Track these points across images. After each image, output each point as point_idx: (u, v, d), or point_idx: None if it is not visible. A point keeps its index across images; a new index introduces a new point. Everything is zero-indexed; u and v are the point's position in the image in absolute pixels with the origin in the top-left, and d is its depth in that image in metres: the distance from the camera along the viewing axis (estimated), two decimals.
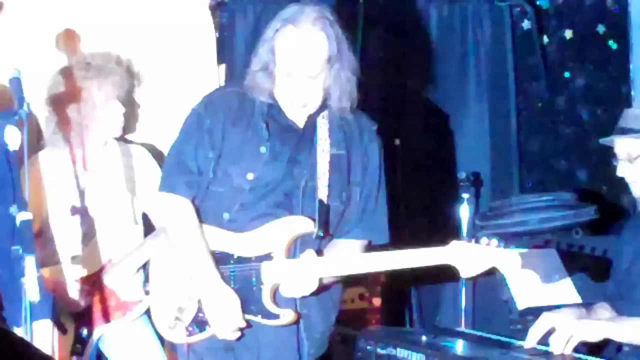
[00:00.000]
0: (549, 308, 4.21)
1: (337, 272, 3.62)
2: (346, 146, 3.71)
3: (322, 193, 3.62)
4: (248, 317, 3.59)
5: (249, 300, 3.59)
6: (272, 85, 3.61)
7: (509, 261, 3.48)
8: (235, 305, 3.57)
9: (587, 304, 4.09)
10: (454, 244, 3.51)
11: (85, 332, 4.31)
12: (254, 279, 3.60)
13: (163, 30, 5.20)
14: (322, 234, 3.61)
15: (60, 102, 4.39)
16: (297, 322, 3.63)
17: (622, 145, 3.74)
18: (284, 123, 3.68)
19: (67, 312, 4.27)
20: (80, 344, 4.29)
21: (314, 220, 3.60)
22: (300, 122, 3.70)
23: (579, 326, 3.47)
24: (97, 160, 4.46)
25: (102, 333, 4.34)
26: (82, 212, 4.39)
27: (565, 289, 4.44)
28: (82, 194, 4.42)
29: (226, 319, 3.57)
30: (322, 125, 3.69)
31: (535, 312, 4.19)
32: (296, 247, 3.63)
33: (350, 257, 3.65)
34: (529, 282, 4.31)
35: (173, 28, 5.23)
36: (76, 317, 4.30)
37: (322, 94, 3.64)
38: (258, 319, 3.59)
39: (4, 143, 3.04)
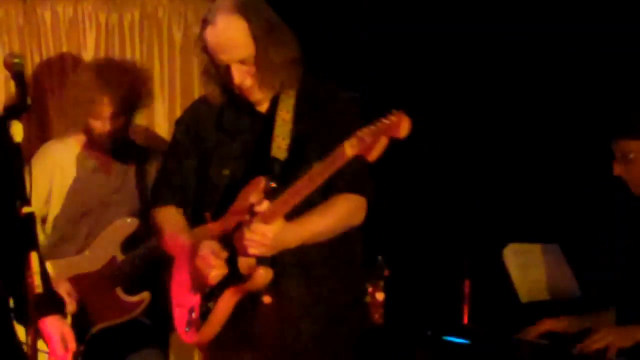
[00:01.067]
0: (552, 302, 4.23)
1: (285, 207, 3.54)
2: (315, 119, 3.71)
3: (277, 152, 3.63)
4: (233, 289, 3.60)
5: (232, 273, 3.60)
6: (219, 84, 3.72)
7: (402, 125, 3.34)
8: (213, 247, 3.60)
9: (590, 306, 4.12)
10: (354, 134, 3.40)
11: (81, 330, 4.30)
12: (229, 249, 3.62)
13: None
14: (274, 185, 3.58)
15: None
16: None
17: (618, 145, 3.86)
18: (249, 112, 3.76)
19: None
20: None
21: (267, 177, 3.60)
22: (263, 107, 3.76)
23: (618, 333, 3.61)
24: (108, 158, 4.47)
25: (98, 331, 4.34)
26: (89, 208, 4.40)
27: (568, 284, 4.44)
28: (91, 190, 4.43)
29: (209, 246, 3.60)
30: (284, 100, 3.72)
31: (538, 306, 4.20)
32: None
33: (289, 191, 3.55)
34: (532, 276, 4.31)
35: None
36: (73, 315, 4.29)
37: (267, 73, 3.65)
38: (239, 287, 3.59)
39: (9, 136, 3.04)
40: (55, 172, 4.40)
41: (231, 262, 3.61)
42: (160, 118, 5.25)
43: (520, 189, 4.91)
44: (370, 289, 4.86)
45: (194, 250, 3.64)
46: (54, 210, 4.41)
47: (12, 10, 5.00)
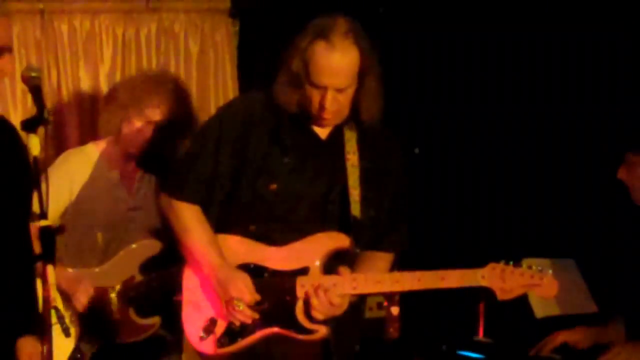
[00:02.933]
0: (567, 317, 4.22)
1: (375, 290, 3.60)
2: (375, 159, 3.70)
3: (355, 208, 3.61)
4: (281, 330, 3.58)
5: (283, 314, 3.57)
6: (299, 96, 3.59)
7: (547, 287, 3.47)
8: (245, 278, 3.57)
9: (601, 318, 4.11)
10: (492, 266, 3.49)
11: (87, 340, 4.31)
12: (288, 293, 3.59)
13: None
14: (358, 250, 3.60)
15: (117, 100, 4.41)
16: (327, 337, 3.60)
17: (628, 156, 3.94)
18: (308, 134, 3.68)
19: (75, 318, 4.27)
20: (80, 354, 4.28)
21: (348, 235, 3.59)
22: (324, 133, 3.69)
23: (633, 349, 3.71)
24: (130, 171, 4.46)
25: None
26: (107, 221, 4.40)
27: (583, 299, 4.43)
28: (111, 203, 4.43)
29: (241, 292, 3.55)
30: (350, 138, 3.68)
31: (553, 321, 4.19)
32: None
33: (387, 274, 3.63)
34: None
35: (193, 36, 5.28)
36: (82, 326, 4.29)
37: (349, 106, 3.62)
38: (291, 333, 3.57)
39: (28, 149, 3.05)
40: (74, 181, 4.38)
41: (286, 306, 3.58)
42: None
43: (536, 204, 4.91)
44: (385, 303, 4.86)
45: (225, 273, 3.58)
46: (72, 219, 4.39)
47: (30, 24, 5.02)
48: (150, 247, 4.37)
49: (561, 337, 3.98)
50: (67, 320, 4.20)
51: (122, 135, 4.36)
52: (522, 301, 4.34)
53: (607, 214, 4.49)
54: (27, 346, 3.44)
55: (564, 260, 4.46)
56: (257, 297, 3.56)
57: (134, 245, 4.36)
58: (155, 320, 4.35)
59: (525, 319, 4.31)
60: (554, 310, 4.35)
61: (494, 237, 4.89)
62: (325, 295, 3.50)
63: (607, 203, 4.51)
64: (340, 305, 3.53)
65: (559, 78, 4.81)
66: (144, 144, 4.34)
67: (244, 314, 3.54)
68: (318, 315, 3.53)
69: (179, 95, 4.42)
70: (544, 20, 4.82)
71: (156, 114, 4.31)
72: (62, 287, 4.20)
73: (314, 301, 3.51)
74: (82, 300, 4.21)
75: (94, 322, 4.29)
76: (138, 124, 4.31)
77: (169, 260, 4.19)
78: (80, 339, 4.27)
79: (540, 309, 4.33)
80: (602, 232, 4.48)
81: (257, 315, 3.56)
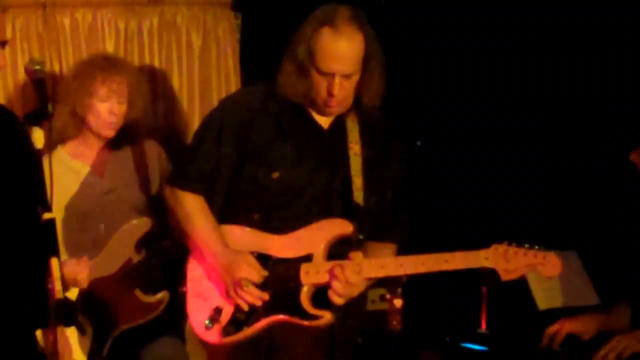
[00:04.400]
0: (570, 309, 4.22)
1: (380, 274, 3.60)
2: (377, 149, 3.72)
3: (358, 196, 3.62)
4: (287, 317, 3.59)
5: (288, 301, 3.59)
6: (306, 85, 3.60)
7: (551, 266, 3.47)
8: (249, 258, 3.59)
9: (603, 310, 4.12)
10: (495, 247, 3.49)
11: (103, 333, 4.32)
12: (292, 280, 3.60)
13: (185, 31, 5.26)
14: (361, 237, 3.61)
15: (67, 97, 4.46)
16: (330, 326, 3.62)
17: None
18: (310, 123, 3.69)
19: (85, 313, 4.29)
20: (98, 344, 4.30)
21: (352, 222, 3.60)
22: (326, 123, 3.70)
23: (633, 338, 3.72)
24: (100, 158, 4.49)
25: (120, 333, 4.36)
26: (86, 213, 4.42)
27: (586, 291, 4.43)
28: (86, 194, 4.45)
29: (247, 271, 3.58)
30: (352, 129, 3.69)
31: (556, 313, 4.20)
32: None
33: (391, 258, 3.64)
34: (550, 283, 4.31)
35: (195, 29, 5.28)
36: (94, 318, 4.31)
37: (353, 93, 3.64)
38: (296, 320, 3.58)
39: (29, 143, 3.06)
40: (61, 174, 4.41)
41: (291, 293, 3.60)
42: (179, 124, 5.25)
43: (538, 195, 4.91)
44: (388, 296, 4.86)
45: (229, 260, 3.61)
46: (59, 223, 4.40)
47: (32, 17, 5.02)
48: (140, 225, 4.39)
49: (566, 327, 3.97)
50: (78, 317, 4.24)
51: (92, 125, 4.45)
52: (525, 293, 4.35)
53: (609, 204, 4.49)
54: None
55: (566, 252, 4.46)
56: (264, 272, 3.58)
57: (123, 228, 4.38)
58: (163, 294, 4.37)
59: (527, 311, 4.32)
60: (556, 302, 4.35)
61: (495, 228, 4.88)
62: (343, 273, 3.51)
63: (608, 193, 4.52)
64: (357, 284, 3.54)
65: (567, 64, 4.79)
66: (116, 121, 4.45)
67: (252, 294, 3.56)
68: (337, 299, 3.54)
69: (117, 64, 4.55)
70: (551, 10, 4.82)
71: (109, 89, 4.42)
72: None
73: (340, 274, 3.51)
74: (83, 277, 4.23)
75: (103, 314, 4.32)
76: (100, 105, 4.40)
77: (161, 233, 4.28)
78: (94, 333, 4.30)
79: (543, 301, 4.34)
80: (604, 223, 4.48)
81: (265, 296, 3.58)
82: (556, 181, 4.83)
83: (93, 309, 4.31)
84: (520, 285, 4.40)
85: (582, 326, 3.96)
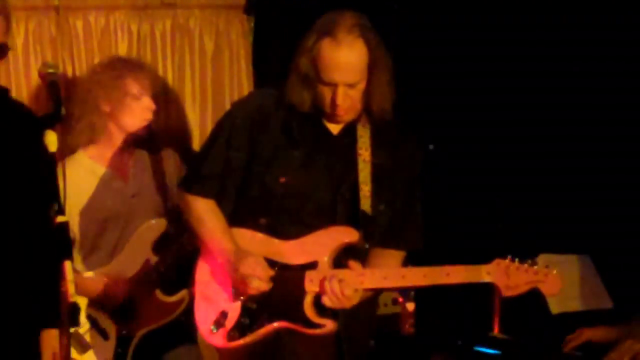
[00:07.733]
0: (583, 313, 4.21)
1: (382, 285, 3.60)
2: (389, 156, 3.70)
3: (365, 204, 3.61)
4: (289, 324, 3.59)
5: (291, 307, 3.58)
6: (311, 95, 3.60)
7: (551, 284, 3.46)
8: (257, 257, 3.58)
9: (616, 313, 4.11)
10: (497, 262, 3.48)
11: (126, 337, 4.33)
12: (296, 287, 3.60)
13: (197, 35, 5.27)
14: (367, 245, 3.60)
15: (86, 103, 4.45)
16: (337, 331, 3.61)
17: None
18: (320, 128, 3.68)
19: (107, 317, 4.30)
20: (122, 348, 4.31)
21: (358, 230, 3.59)
22: (336, 129, 3.70)
23: None
24: (123, 163, 4.50)
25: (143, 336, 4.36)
26: (111, 216, 4.43)
27: (599, 294, 4.42)
28: (109, 198, 4.46)
29: (253, 268, 3.57)
30: (363, 135, 3.68)
31: (569, 317, 4.19)
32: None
33: (394, 270, 3.62)
34: (563, 286, 4.30)
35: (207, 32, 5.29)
36: (117, 322, 4.32)
37: (361, 101, 3.62)
38: (298, 326, 3.58)
39: (44, 146, 3.06)
40: (69, 191, 4.40)
41: (294, 299, 3.59)
42: (191, 127, 5.26)
43: (552, 199, 4.89)
44: (400, 299, 4.86)
45: (237, 257, 3.60)
46: (76, 227, 4.40)
47: (45, 21, 5.02)
48: (156, 227, 4.42)
49: (585, 335, 3.97)
50: (100, 323, 4.25)
51: (128, 125, 4.47)
52: (538, 296, 4.34)
53: (623, 209, 4.48)
54: (51, 338, 3.49)
55: (579, 256, 4.45)
56: (271, 271, 3.57)
57: (141, 229, 4.39)
58: (183, 294, 4.38)
59: (541, 314, 4.31)
60: (570, 306, 4.34)
61: (509, 233, 4.88)
62: (339, 285, 3.50)
63: (622, 198, 4.50)
64: (350, 298, 3.52)
65: (581, 66, 4.78)
66: (151, 117, 4.51)
67: (258, 288, 3.55)
68: (328, 302, 3.53)
69: (139, 63, 4.65)
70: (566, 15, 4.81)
71: (141, 86, 4.48)
72: (92, 297, 4.26)
73: (327, 288, 3.51)
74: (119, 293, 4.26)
75: (126, 316, 4.32)
76: (135, 103, 4.44)
77: (177, 232, 4.30)
78: (118, 337, 4.31)
79: (556, 305, 4.33)
80: (617, 226, 4.47)
81: (264, 285, 3.57)
82: (570, 185, 4.81)
83: (116, 313, 4.32)
84: (534, 289, 4.40)
85: (601, 335, 3.96)
